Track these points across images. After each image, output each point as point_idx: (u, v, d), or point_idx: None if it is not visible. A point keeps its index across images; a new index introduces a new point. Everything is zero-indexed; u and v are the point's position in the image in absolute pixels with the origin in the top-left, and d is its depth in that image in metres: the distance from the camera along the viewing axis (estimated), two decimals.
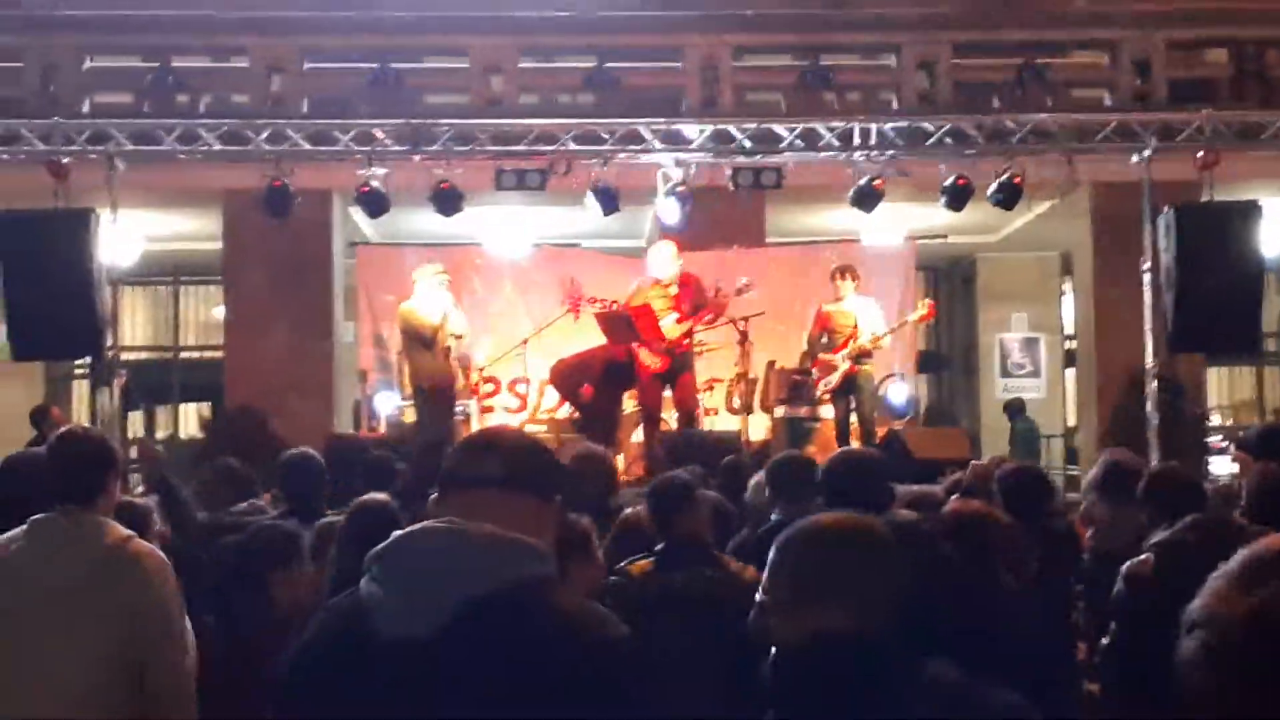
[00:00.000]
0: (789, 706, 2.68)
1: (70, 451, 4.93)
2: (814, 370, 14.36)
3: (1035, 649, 4.68)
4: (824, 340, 14.21)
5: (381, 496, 5.73)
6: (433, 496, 2.66)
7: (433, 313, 13.32)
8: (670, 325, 13.40)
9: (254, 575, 5.64)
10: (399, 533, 2.57)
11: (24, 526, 4.64)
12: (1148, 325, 13.55)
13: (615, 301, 15.20)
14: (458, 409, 14.12)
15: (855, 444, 14.04)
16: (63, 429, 5.55)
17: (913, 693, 2.62)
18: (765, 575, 2.85)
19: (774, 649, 2.75)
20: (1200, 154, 13.18)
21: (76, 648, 4.51)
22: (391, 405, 15.23)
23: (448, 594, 2.42)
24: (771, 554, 2.85)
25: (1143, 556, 5.24)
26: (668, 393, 13.74)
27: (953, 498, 6.43)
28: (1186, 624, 1.72)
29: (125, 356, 14.58)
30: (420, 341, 13.45)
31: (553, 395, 15.94)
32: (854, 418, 14.03)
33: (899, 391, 15.28)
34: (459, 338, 13.75)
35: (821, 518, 2.97)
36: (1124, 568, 5.27)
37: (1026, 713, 2.71)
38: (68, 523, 4.67)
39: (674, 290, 13.49)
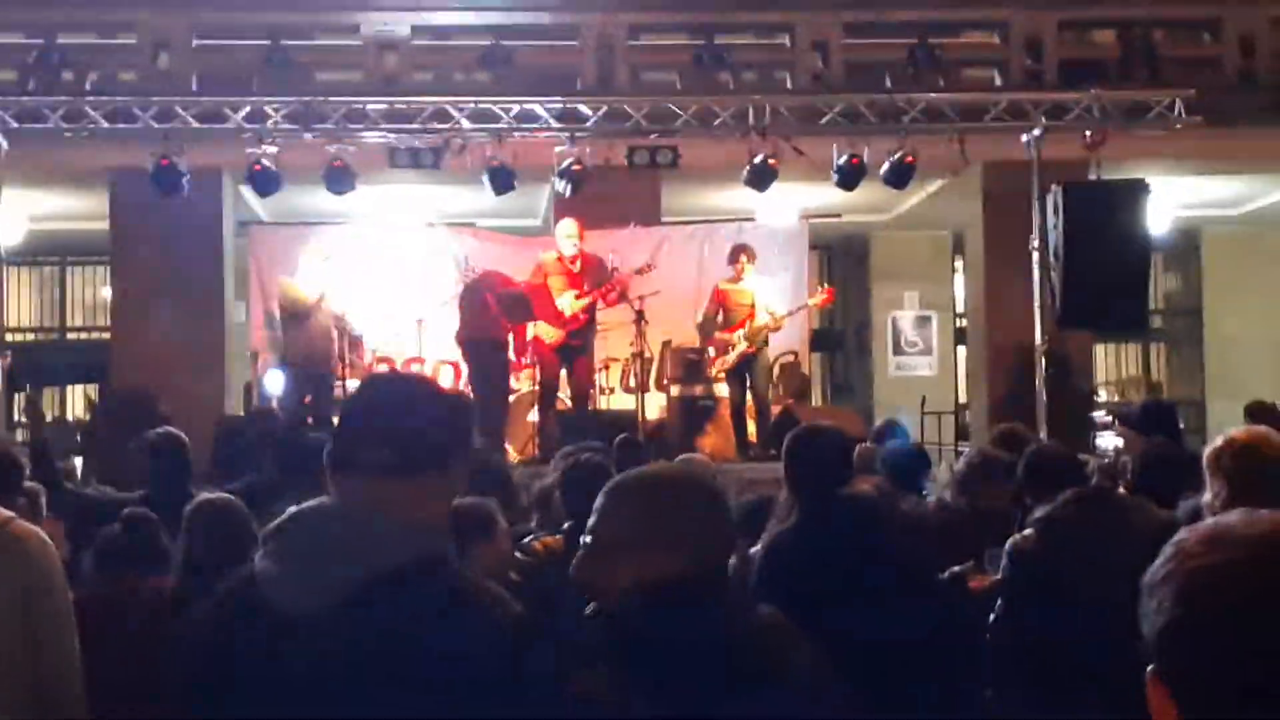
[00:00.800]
0: (618, 655, 2.72)
1: None
2: (710, 349, 14.46)
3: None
4: (719, 319, 14.31)
5: (224, 495, 5.78)
6: (326, 472, 2.59)
7: (310, 288, 13.32)
8: (569, 302, 13.45)
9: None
10: (294, 509, 2.53)
11: None
12: (1036, 303, 13.74)
13: (512, 280, 15.19)
14: (335, 385, 14.00)
15: (750, 423, 14.22)
16: None
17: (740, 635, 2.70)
18: (594, 521, 2.94)
19: (592, 599, 2.85)
20: (1088, 133, 13.38)
21: None
22: (280, 386, 15.09)
23: (341, 571, 2.39)
24: (602, 500, 2.96)
25: (1026, 532, 5.33)
26: (563, 373, 13.80)
27: None
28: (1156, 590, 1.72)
29: (10, 337, 14.35)
30: (294, 317, 13.44)
31: (448, 375, 15.91)
32: (749, 396, 14.18)
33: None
34: (338, 317, 13.75)
35: (654, 468, 3.10)
36: (1008, 543, 5.36)
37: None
38: None
39: (575, 268, 13.56)
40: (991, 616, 5.46)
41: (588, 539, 2.93)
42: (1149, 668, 1.73)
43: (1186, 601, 1.64)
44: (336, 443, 2.62)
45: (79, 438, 16.34)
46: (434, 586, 2.44)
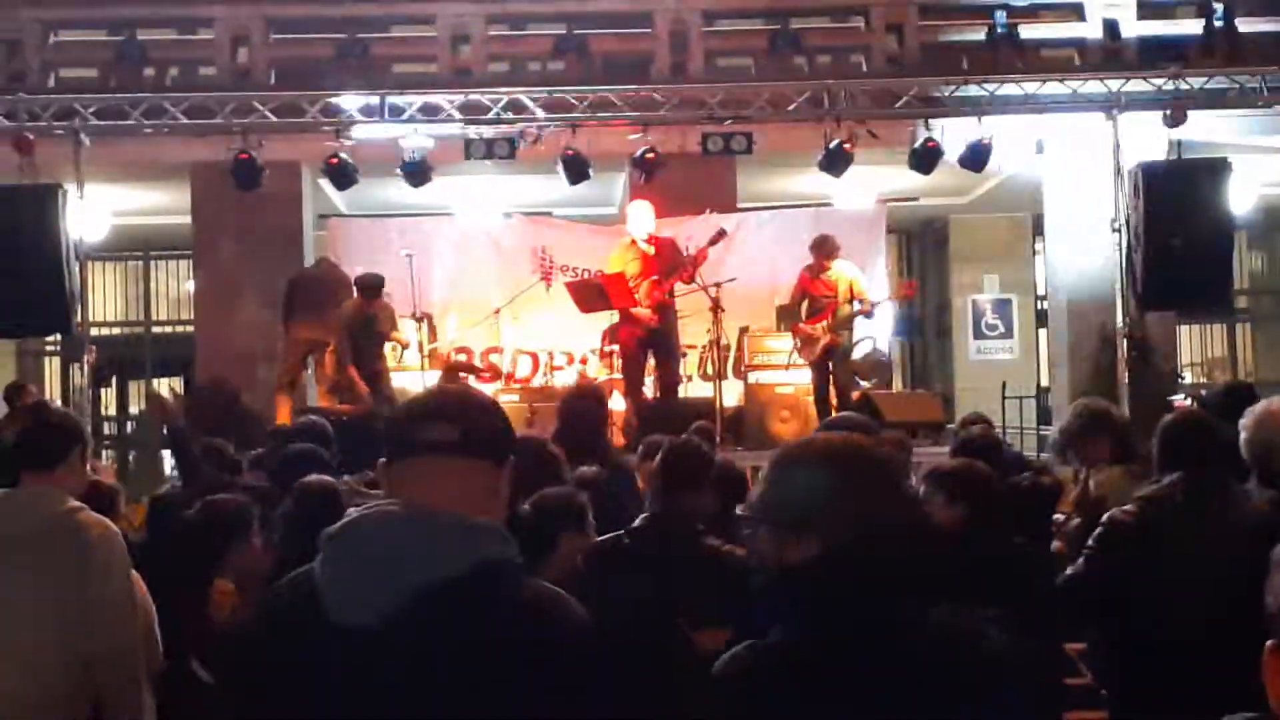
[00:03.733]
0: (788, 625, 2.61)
1: (35, 421, 5.01)
2: (795, 339, 14.37)
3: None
4: (804, 306, 14.22)
5: (325, 478, 5.76)
6: (381, 462, 2.57)
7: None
8: (648, 287, 13.35)
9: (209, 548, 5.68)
10: (353, 513, 2.49)
11: None
12: (1119, 284, 13.60)
13: (587, 270, 15.21)
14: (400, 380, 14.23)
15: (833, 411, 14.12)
16: (30, 401, 5.66)
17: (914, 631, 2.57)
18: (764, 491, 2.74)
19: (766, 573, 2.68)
20: (1168, 112, 13.23)
21: (30, 615, 4.65)
22: None
23: (401, 580, 2.35)
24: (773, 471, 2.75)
25: (1128, 506, 5.28)
26: (650, 363, 13.73)
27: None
28: None
29: (96, 332, 14.53)
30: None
31: (526, 364, 15.98)
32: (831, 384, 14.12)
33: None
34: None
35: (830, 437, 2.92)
36: (1107, 515, 5.31)
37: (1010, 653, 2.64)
38: (23, 489, 4.79)
39: (650, 251, 13.43)
40: (1063, 576, 5.41)
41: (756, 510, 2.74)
42: (1267, 643, 1.74)
43: None
44: (395, 426, 2.59)
45: (164, 431, 16.49)
46: (498, 593, 2.40)
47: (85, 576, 4.71)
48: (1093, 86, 13.84)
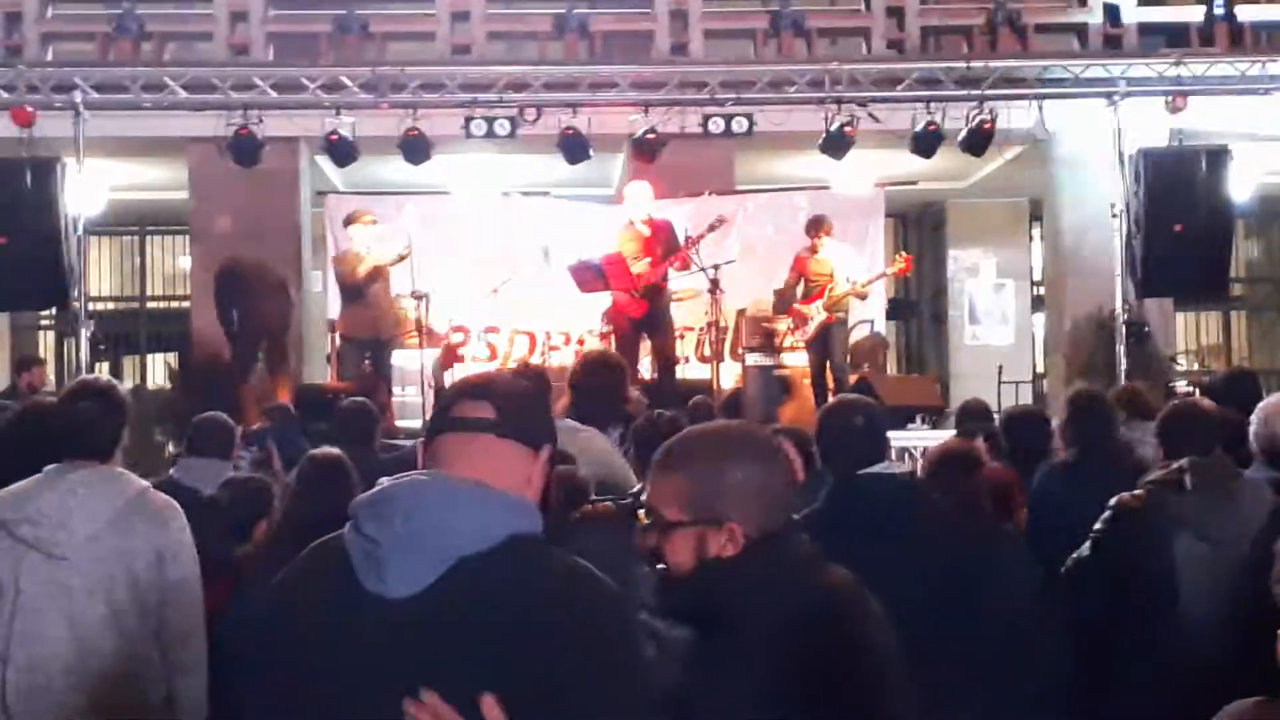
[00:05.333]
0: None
1: (89, 406, 5.03)
2: (790, 319, 14.40)
3: None
4: (799, 289, 14.23)
5: (333, 450, 5.78)
6: (418, 441, 2.60)
7: (356, 259, 13.41)
8: (644, 268, 13.32)
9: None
10: (387, 481, 2.47)
11: (41, 476, 4.81)
12: (1118, 270, 13.60)
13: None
14: (393, 361, 14.10)
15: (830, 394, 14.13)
16: (81, 379, 5.71)
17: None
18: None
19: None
20: (1169, 98, 13.23)
21: (102, 593, 4.77)
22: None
23: (435, 550, 2.34)
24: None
25: (1137, 491, 5.30)
26: (645, 344, 13.73)
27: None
28: None
29: (92, 307, 14.49)
30: (351, 288, 13.54)
31: (523, 344, 15.96)
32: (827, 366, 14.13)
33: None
34: (401, 258, 13.68)
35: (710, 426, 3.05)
36: (1114, 499, 5.32)
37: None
38: (88, 474, 4.86)
39: (646, 233, 13.36)
40: (1070, 559, 5.43)
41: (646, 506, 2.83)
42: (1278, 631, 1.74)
43: None
44: (440, 401, 2.62)
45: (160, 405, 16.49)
46: (530, 566, 2.40)
47: (162, 558, 4.86)
48: (1094, 72, 13.83)
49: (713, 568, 2.68)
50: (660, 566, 2.78)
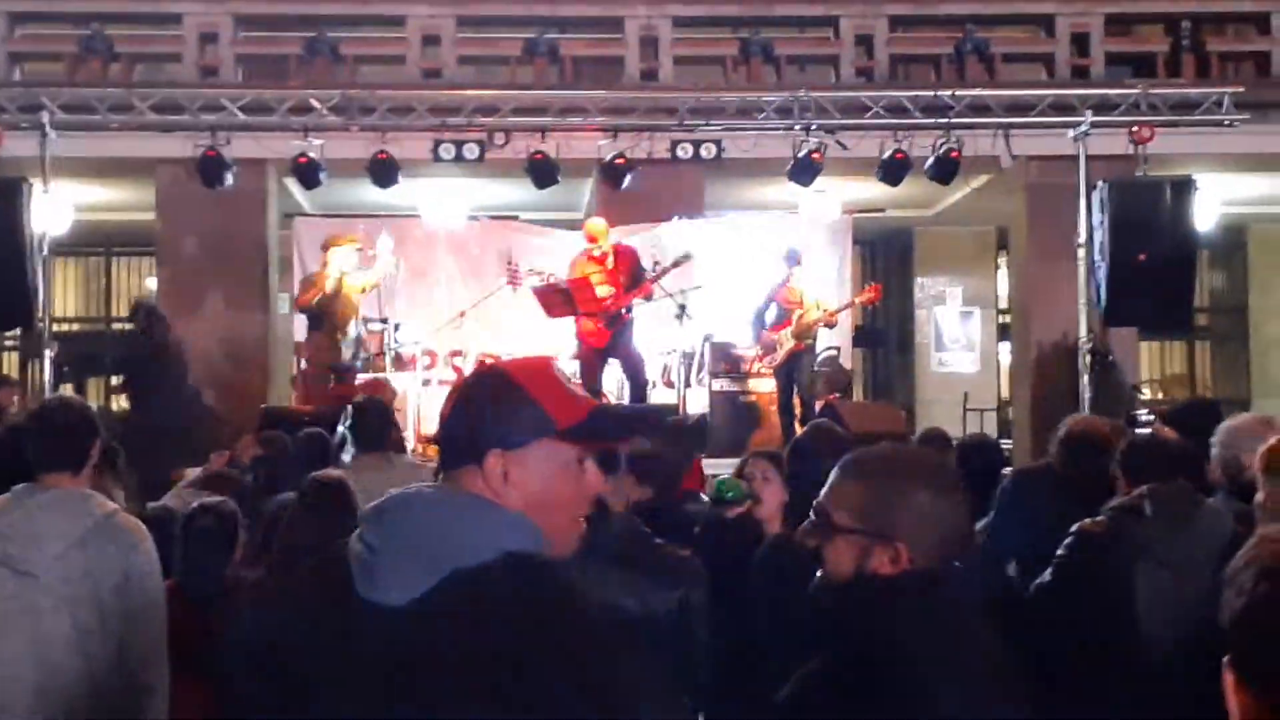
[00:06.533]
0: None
1: (60, 422, 5.03)
2: (758, 346, 14.46)
3: None
4: (770, 314, 14.29)
5: (335, 472, 5.80)
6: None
7: (320, 282, 13.46)
8: (607, 293, 13.37)
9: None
10: (395, 493, 2.49)
11: (10, 494, 4.85)
12: (1081, 299, 13.69)
13: (553, 274, 15.20)
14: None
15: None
16: (47, 399, 5.71)
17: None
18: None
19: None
20: (1134, 129, 13.32)
21: (67, 612, 4.78)
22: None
23: (427, 559, 2.36)
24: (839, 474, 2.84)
25: (1099, 517, 5.33)
26: (606, 370, 13.77)
27: None
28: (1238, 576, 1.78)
29: (56, 328, 14.45)
30: (311, 317, 13.60)
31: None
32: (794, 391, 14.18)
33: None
34: (364, 290, 13.83)
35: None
36: (1076, 525, 5.36)
37: None
38: (58, 494, 4.89)
39: (610, 264, 13.42)
40: (1036, 582, 5.46)
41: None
42: (1225, 658, 1.77)
43: (1268, 578, 1.71)
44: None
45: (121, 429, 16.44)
46: (528, 579, 2.40)
47: (129, 579, 4.87)
48: (1061, 100, 13.92)
49: (871, 582, 2.66)
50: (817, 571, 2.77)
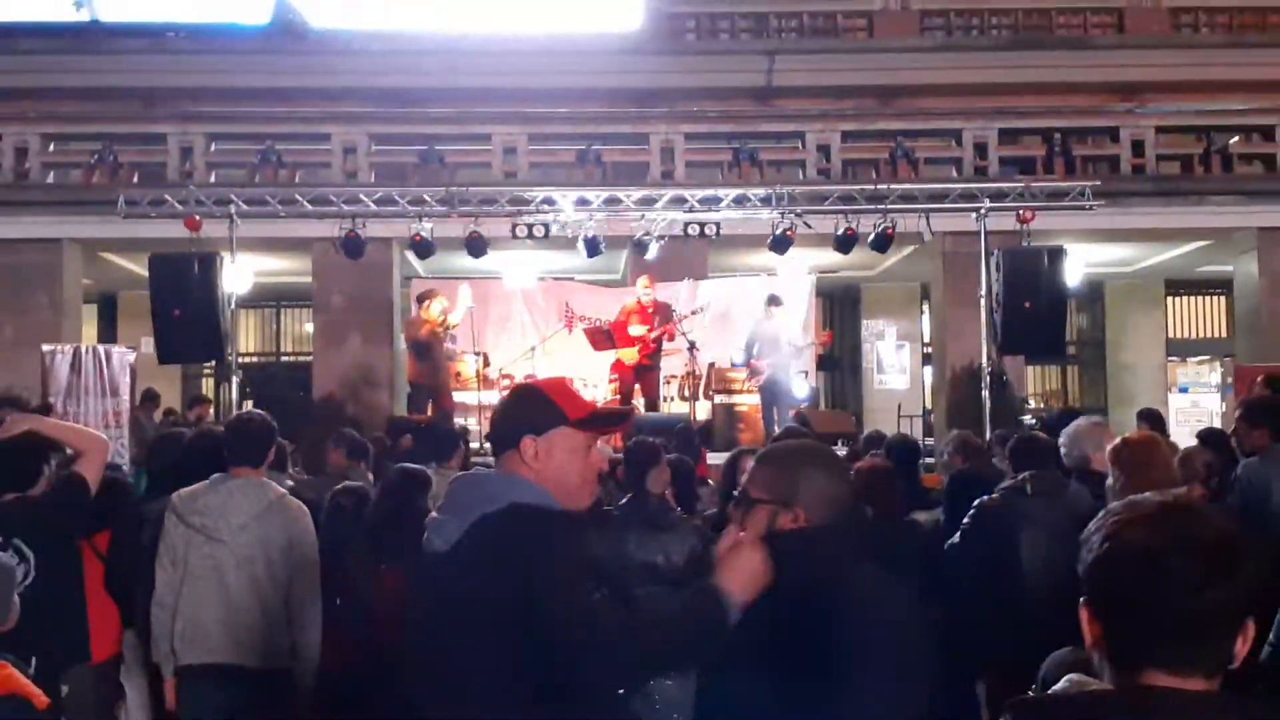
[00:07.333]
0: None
1: (246, 429, 5.10)
2: (747, 370, 14.48)
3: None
4: (755, 349, 14.32)
5: (414, 466, 5.79)
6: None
7: (420, 324, 13.71)
8: (641, 331, 13.63)
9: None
10: (460, 473, 2.68)
11: (208, 481, 4.89)
12: (983, 335, 13.65)
13: (599, 319, 15.26)
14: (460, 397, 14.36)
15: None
16: (239, 412, 5.84)
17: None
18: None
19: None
20: (1021, 212, 13.30)
21: (246, 569, 4.87)
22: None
23: (465, 517, 2.48)
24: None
25: (994, 495, 5.34)
26: (637, 385, 13.84)
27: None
28: (1090, 538, 1.82)
29: (241, 361, 14.53)
30: (416, 350, 13.66)
31: None
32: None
33: (801, 387, 15.28)
34: (447, 327, 14.09)
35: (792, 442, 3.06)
36: (977, 501, 5.36)
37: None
38: (243, 481, 4.95)
39: (650, 310, 13.73)
40: (947, 543, 5.47)
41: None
42: (1081, 598, 1.79)
43: (1113, 540, 1.75)
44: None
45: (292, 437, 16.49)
46: (508, 522, 2.48)
47: (292, 545, 4.94)
48: (967, 191, 13.90)
49: (774, 535, 2.64)
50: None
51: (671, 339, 13.93)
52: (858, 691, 2.40)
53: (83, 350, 14.53)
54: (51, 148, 16.97)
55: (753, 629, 2.52)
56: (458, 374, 15.22)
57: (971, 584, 5.21)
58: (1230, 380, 18.20)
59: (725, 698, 2.54)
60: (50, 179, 16.82)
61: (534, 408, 2.67)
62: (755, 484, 2.75)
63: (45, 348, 14.59)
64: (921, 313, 21.36)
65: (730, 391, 15.01)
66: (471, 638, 2.36)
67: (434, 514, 2.60)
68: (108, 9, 18.71)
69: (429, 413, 13.53)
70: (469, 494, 2.54)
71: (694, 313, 14.24)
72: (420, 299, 14.13)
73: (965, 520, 5.36)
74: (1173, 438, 8.86)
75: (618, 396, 14.27)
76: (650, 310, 13.84)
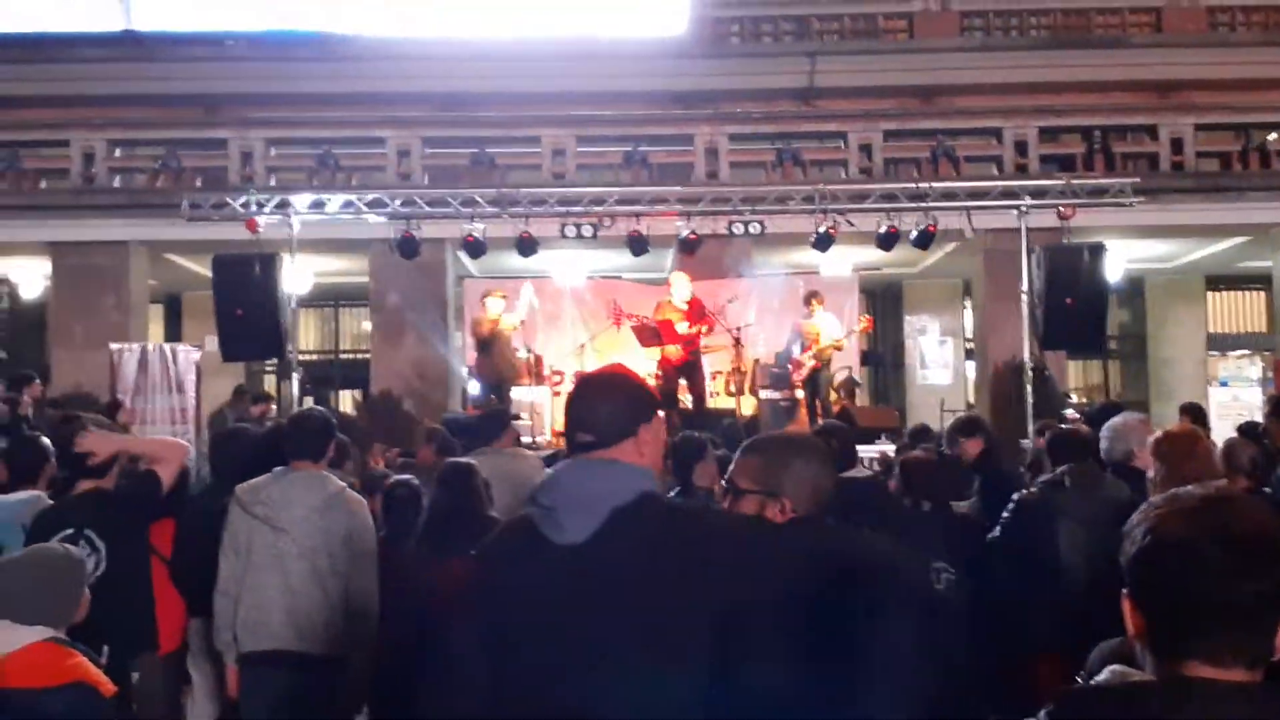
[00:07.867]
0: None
1: (307, 425, 5.15)
2: (790, 366, 14.44)
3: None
4: (798, 345, 14.31)
5: (464, 459, 5.83)
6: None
7: (485, 323, 13.86)
8: (685, 329, 13.59)
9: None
10: (557, 467, 2.53)
11: (271, 474, 4.94)
12: (1025, 331, 13.53)
13: (645, 316, 15.27)
14: (512, 395, 14.33)
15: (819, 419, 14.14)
16: (301, 409, 5.90)
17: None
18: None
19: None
20: (1062, 209, 13.16)
21: (309, 558, 4.90)
22: (476, 391, 15.29)
23: (594, 508, 2.39)
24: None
25: (1033, 489, 5.30)
26: (682, 381, 13.82)
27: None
28: (1133, 531, 1.81)
29: (301, 358, 14.66)
30: (482, 342, 13.81)
31: None
32: (817, 399, 14.14)
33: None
34: (514, 328, 14.35)
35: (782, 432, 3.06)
36: (1016, 495, 5.32)
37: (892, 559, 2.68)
38: (304, 474, 4.96)
39: (685, 307, 13.65)
40: (989, 535, 5.41)
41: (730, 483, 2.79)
42: (1124, 590, 1.78)
43: (1154, 533, 1.74)
44: (568, 436, 2.62)
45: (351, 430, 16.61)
46: (657, 508, 2.44)
47: (351, 537, 4.96)
48: (1008, 189, 13.77)
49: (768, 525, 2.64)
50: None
51: (711, 330, 13.88)
52: (880, 677, 2.36)
53: (149, 349, 14.74)
54: (117, 153, 17.20)
55: (783, 615, 2.49)
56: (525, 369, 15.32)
57: (1011, 576, 5.17)
58: (1270, 374, 17.91)
59: (751, 688, 2.50)
60: (116, 183, 17.05)
61: (642, 396, 2.64)
62: (743, 474, 2.74)
63: (113, 346, 14.82)
64: (963, 308, 21.19)
65: (777, 387, 14.96)
66: (644, 618, 2.29)
67: (535, 507, 2.47)
68: (162, 17, 18.91)
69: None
70: (586, 486, 2.45)
71: (729, 302, 14.23)
72: (483, 297, 14.28)
73: (1004, 514, 5.32)
74: (1214, 431, 8.74)
75: (661, 394, 14.25)
76: (686, 307, 13.81)
